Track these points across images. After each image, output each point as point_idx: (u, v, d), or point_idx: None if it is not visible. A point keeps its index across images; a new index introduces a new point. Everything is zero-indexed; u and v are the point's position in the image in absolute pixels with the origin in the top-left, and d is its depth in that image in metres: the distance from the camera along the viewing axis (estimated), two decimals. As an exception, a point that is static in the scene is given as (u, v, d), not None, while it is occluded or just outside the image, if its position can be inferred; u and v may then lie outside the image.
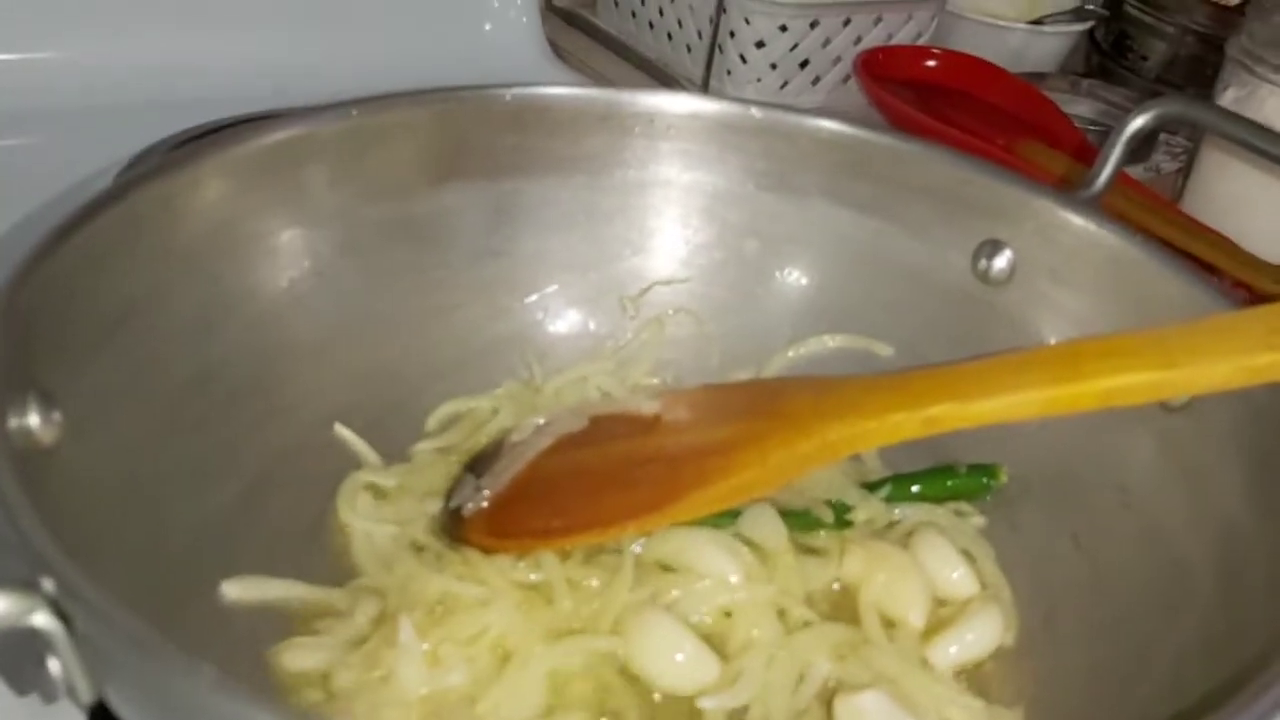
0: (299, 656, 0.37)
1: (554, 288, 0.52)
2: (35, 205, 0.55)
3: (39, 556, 0.26)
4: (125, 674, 0.27)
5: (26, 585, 0.26)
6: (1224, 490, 0.39)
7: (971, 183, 0.48)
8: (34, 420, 0.33)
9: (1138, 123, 0.49)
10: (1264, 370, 0.36)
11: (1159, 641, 0.37)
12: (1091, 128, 0.82)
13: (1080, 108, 0.87)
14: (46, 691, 0.27)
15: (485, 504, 0.43)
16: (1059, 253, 0.47)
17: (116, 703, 0.28)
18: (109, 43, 0.74)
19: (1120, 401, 0.37)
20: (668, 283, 0.53)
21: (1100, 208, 0.47)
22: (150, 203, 0.40)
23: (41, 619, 0.26)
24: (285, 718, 0.24)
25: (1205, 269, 0.58)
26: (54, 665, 0.27)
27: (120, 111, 0.66)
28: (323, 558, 0.43)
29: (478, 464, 0.46)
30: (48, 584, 0.26)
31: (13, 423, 0.32)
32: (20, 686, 0.32)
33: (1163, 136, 0.87)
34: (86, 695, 0.28)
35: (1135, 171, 0.83)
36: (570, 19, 0.96)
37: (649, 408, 0.45)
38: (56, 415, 0.34)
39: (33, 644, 0.27)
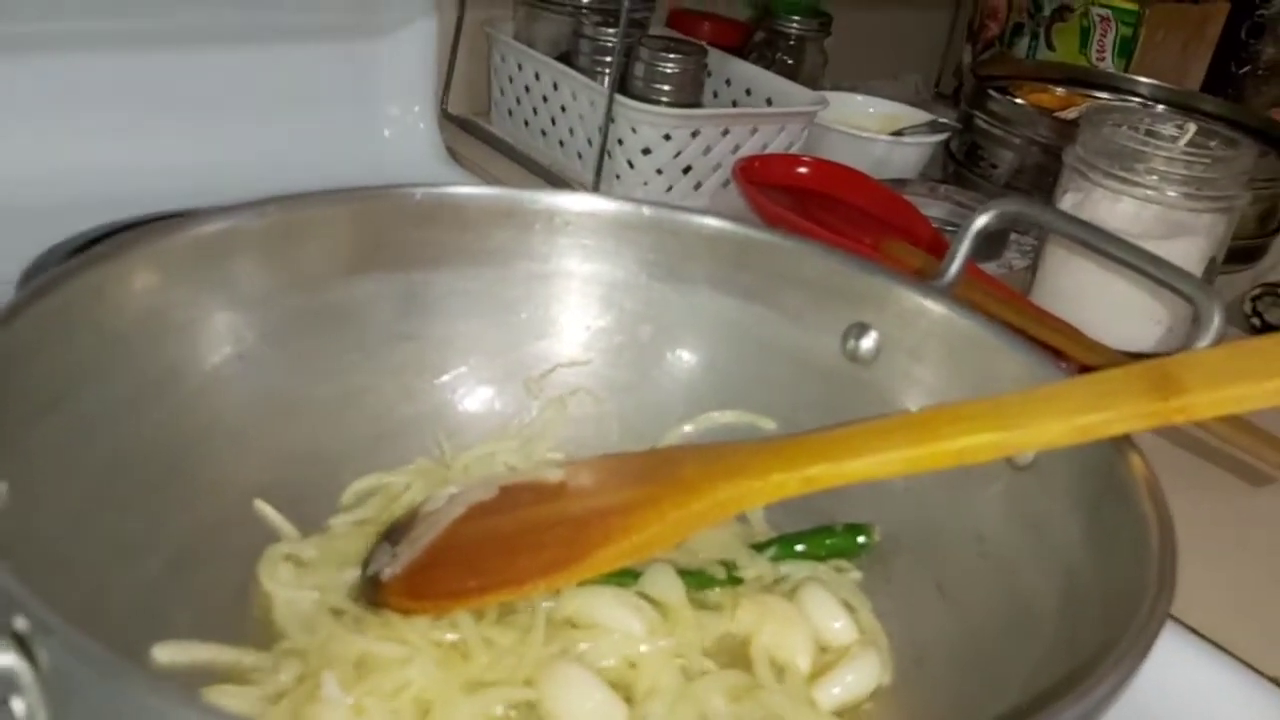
0: (227, 699, 0.40)
1: (463, 370, 0.56)
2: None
3: (8, 595, 0.28)
4: (92, 706, 0.29)
5: (-7, 628, 0.29)
6: (1064, 536, 0.44)
7: (840, 273, 0.54)
8: (-20, 492, 0.35)
9: (981, 220, 0.55)
10: (1090, 429, 0.41)
11: (1011, 667, 0.41)
12: (948, 227, 0.89)
13: (937, 210, 0.95)
14: (8, 732, 0.29)
15: (402, 569, 0.46)
16: (917, 334, 0.52)
17: (75, 738, 0.30)
18: (12, 147, 0.76)
19: (971, 459, 0.42)
20: (569, 365, 0.57)
21: (952, 295, 0.53)
22: (84, 291, 0.43)
23: (6, 659, 0.29)
24: None
25: (1053, 353, 0.65)
26: (18, 705, 0.29)
27: (13, 215, 0.67)
28: (248, 623, 0.45)
29: (393, 533, 0.48)
30: (19, 622, 0.28)
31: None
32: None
33: (1014, 236, 0.95)
34: (47, 734, 0.30)
35: (990, 268, 0.91)
36: (465, 126, 1.01)
37: (554, 476, 0.49)
38: (3, 487, 0.36)
39: (-5, 686, 0.29)
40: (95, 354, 0.43)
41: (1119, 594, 0.38)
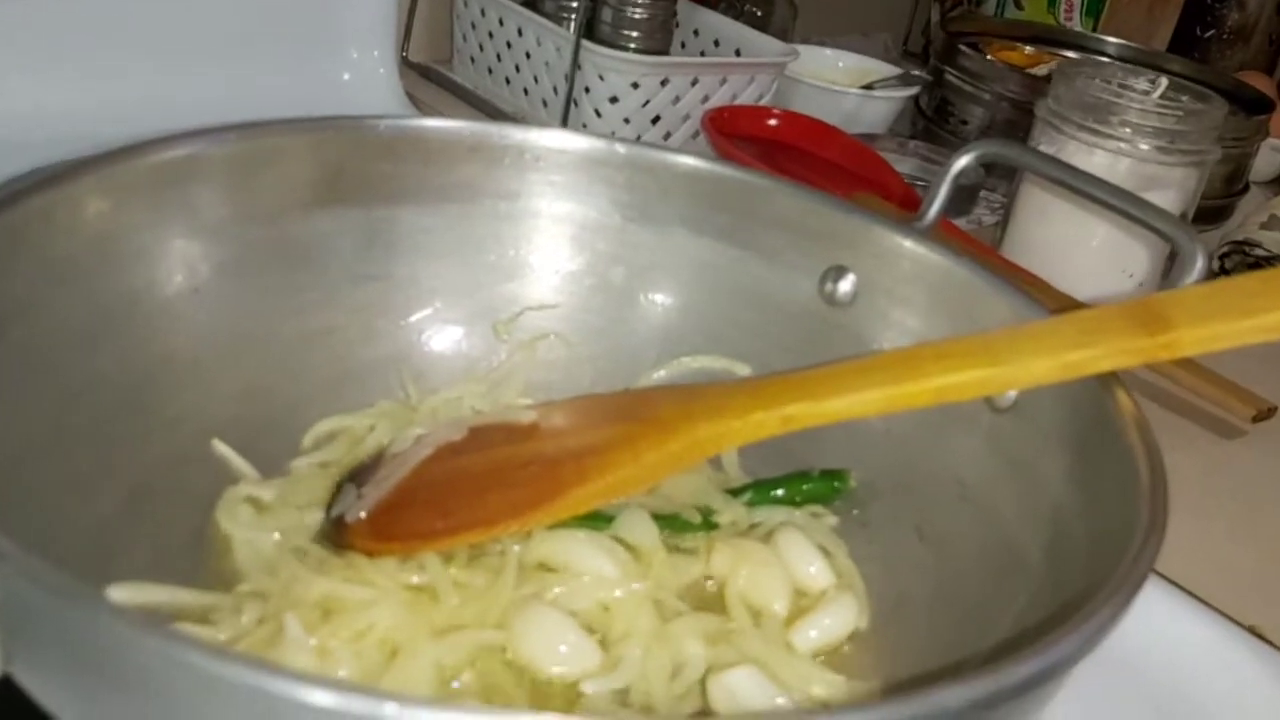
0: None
1: (428, 311, 0.54)
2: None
3: (-45, 521, 0.27)
4: (45, 634, 0.27)
5: (-64, 555, 0.27)
6: (1048, 478, 0.43)
7: (817, 214, 0.53)
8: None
9: (962, 161, 0.54)
10: (1076, 365, 0.40)
11: (996, 611, 0.40)
12: (918, 182, 0.89)
13: (907, 165, 0.94)
14: (-48, 665, 0.28)
15: (367, 510, 0.44)
16: (896, 276, 0.51)
17: (26, 672, 0.29)
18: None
19: (953, 397, 0.41)
20: (539, 308, 0.55)
21: (932, 236, 0.52)
22: (30, 215, 0.40)
23: (-48, 588, 0.27)
24: (223, 660, 0.24)
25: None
26: (-39, 637, 0.27)
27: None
28: (206, 566, 0.43)
29: (358, 474, 0.47)
30: (-36, 549, 0.26)
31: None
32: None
33: (982, 193, 0.95)
34: (-5, 667, 0.28)
35: (960, 223, 0.90)
36: (426, 73, 0.99)
37: (526, 416, 0.47)
38: (-56, 415, 0.34)
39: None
40: (45, 279, 0.41)
41: (1106, 533, 0.37)
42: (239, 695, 0.25)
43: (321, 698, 0.24)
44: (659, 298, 0.55)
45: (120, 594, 0.39)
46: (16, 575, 0.26)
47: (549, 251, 0.55)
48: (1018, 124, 0.95)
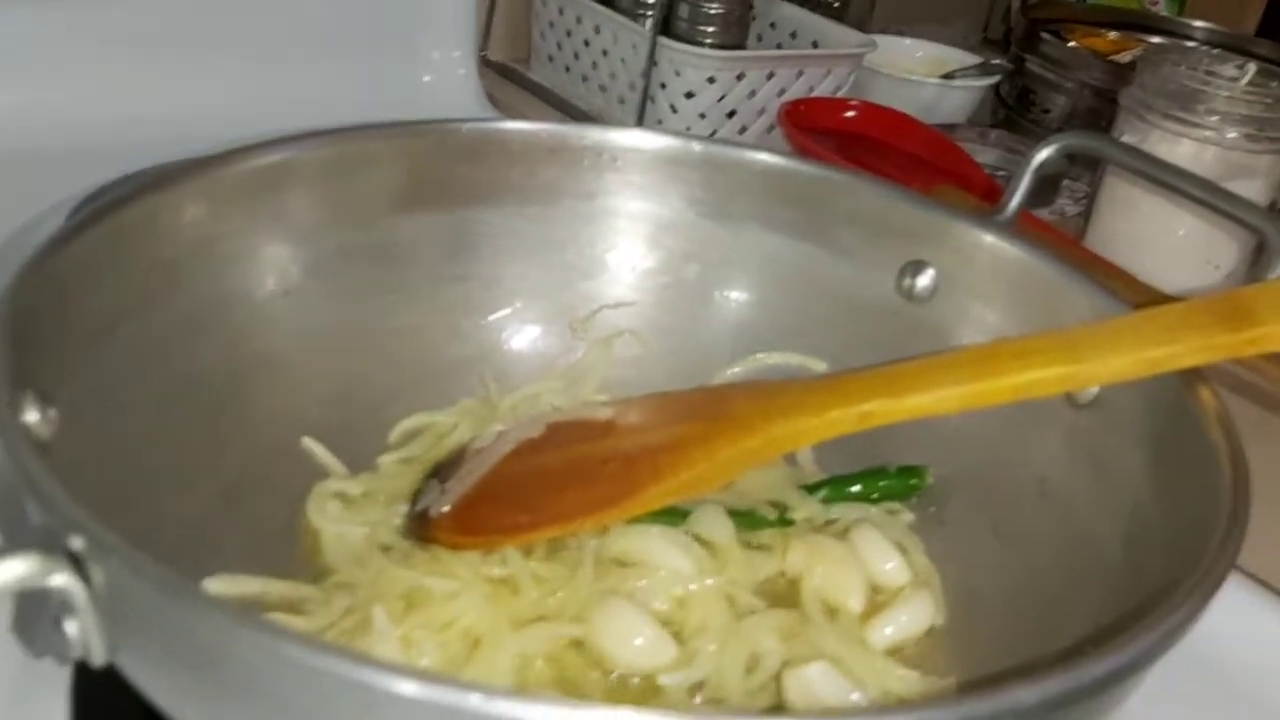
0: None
1: (508, 311, 0.55)
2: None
3: (66, 515, 0.28)
4: (147, 625, 0.29)
5: (46, 547, 0.28)
6: (1128, 474, 0.43)
7: (895, 209, 0.53)
8: (33, 417, 0.35)
9: (1044, 153, 0.54)
10: (1158, 362, 0.40)
11: (1073, 609, 0.40)
12: (999, 173, 0.88)
13: (988, 156, 0.93)
14: (61, 653, 0.29)
15: (450, 505, 0.46)
16: (976, 271, 0.51)
17: (129, 661, 0.30)
18: (54, 88, 0.76)
19: (1032, 394, 0.41)
20: (615, 306, 0.56)
21: (1012, 230, 0.52)
22: (136, 218, 0.42)
23: (61, 579, 0.28)
24: (315, 650, 0.25)
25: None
26: (71, 626, 0.29)
27: (67, 155, 0.67)
28: (296, 559, 0.45)
29: (442, 470, 0.48)
30: (75, 541, 0.28)
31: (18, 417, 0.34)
32: (36, 649, 0.33)
33: (1065, 182, 0.93)
34: (100, 655, 0.30)
35: (1041, 214, 0.89)
36: (505, 72, 1.00)
37: (603, 413, 0.48)
38: (52, 413, 0.36)
39: (49, 606, 0.29)
40: (147, 282, 0.43)
41: (1186, 530, 0.37)
42: (328, 683, 0.26)
43: (408, 687, 0.25)
44: (734, 294, 0.56)
45: (216, 586, 0.41)
46: (120, 568, 0.28)
47: (625, 250, 0.56)
48: (1101, 112, 0.93)
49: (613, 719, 0.25)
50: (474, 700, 0.25)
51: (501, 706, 0.25)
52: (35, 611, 0.29)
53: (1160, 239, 0.74)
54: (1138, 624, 0.30)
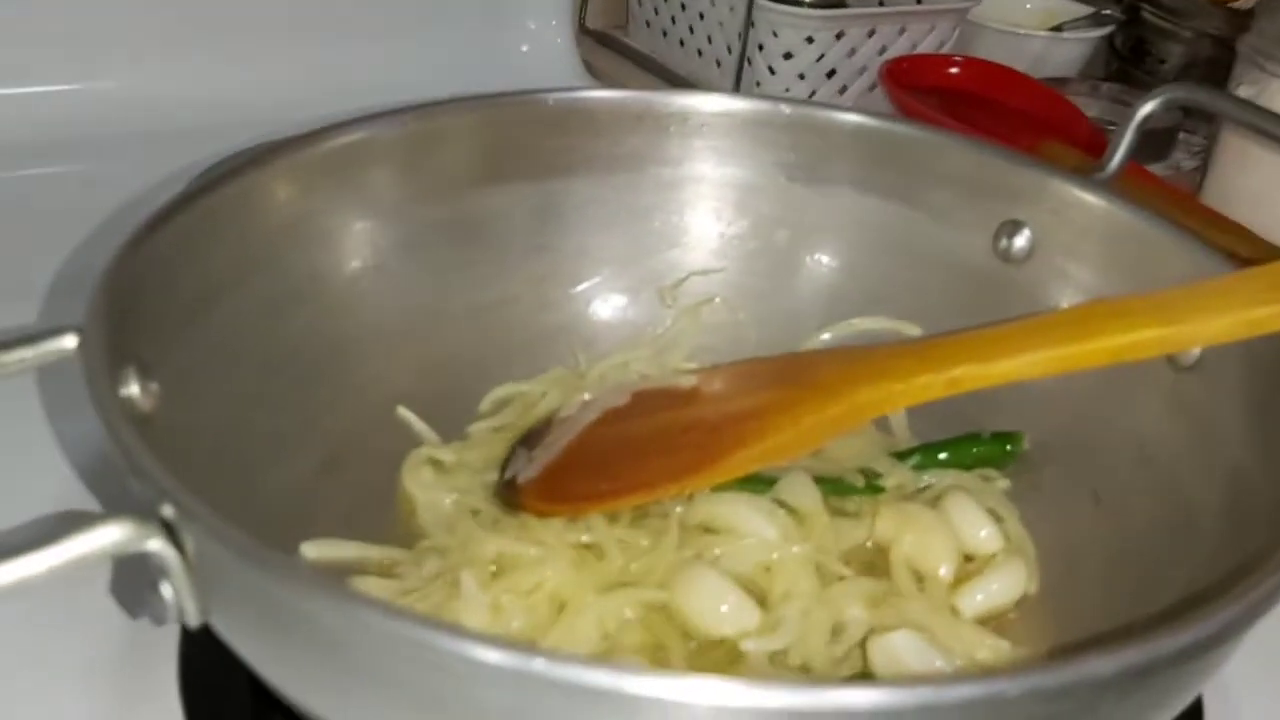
0: (371, 589, 0.41)
1: (597, 280, 0.55)
2: (95, 225, 0.59)
3: (157, 484, 0.30)
4: (234, 590, 0.30)
5: (142, 514, 0.30)
6: (1230, 438, 0.41)
7: (991, 168, 0.51)
8: (134, 389, 0.37)
9: (1147, 107, 0.52)
10: (1261, 322, 0.38)
11: (1170, 576, 0.39)
12: (1111, 127, 0.84)
13: (1100, 110, 0.90)
14: (157, 615, 0.31)
15: (537, 472, 0.46)
16: (1075, 230, 0.49)
17: (222, 623, 0.31)
18: (161, 71, 0.78)
19: (1129, 357, 0.40)
20: (703, 273, 0.56)
21: (1113, 188, 0.50)
22: (230, 198, 0.44)
23: (156, 544, 0.30)
24: (398, 620, 0.26)
25: (1226, 257, 0.61)
26: (166, 589, 0.30)
27: (171, 136, 0.70)
28: (392, 524, 0.46)
29: (529, 438, 0.49)
30: (166, 509, 0.29)
31: (119, 391, 0.36)
32: (133, 610, 0.35)
33: (1182, 136, 0.89)
34: (195, 617, 0.31)
35: (1156, 169, 0.85)
36: (603, 40, 1.00)
37: (687, 381, 0.48)
38: (153, 386, 0.38)
39: (146, 570, 0.30)
40: (242, 259, 0.44)
41: (1291, 497, 0.35)
42: (407, 649, 0.27)
43: (486, 654, 0.26)
44: (824, 259, 0.55)
45: (312, 550, 0.43)
46: (207, 535, 0.29)
47: (713, 216, 0.55)
48: (1219, 62, 0.88)
49: (699, 688, 0.25)
50: (540, 665, 0.26)
51: (582, 675, 0.25)
52: (133, 576, 0.30)
53: (1278, 194, 0.71)
54: (1224, 595, 0.28)
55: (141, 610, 0.31)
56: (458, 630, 0.26)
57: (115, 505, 0.31)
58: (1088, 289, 0.49)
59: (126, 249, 0.39)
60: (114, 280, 0.37)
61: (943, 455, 0.49)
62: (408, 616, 0.27)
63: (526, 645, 0.26)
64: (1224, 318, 0.39)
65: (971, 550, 0.46)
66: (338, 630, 0.28)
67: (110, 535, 0.29)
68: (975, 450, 0.49)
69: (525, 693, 0.26)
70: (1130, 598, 0.40)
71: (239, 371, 0.43)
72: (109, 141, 0.72)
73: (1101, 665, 0.26)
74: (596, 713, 0.26)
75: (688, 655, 0.41)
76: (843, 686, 0.25)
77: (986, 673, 0.25)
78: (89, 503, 0.47)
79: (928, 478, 0.49)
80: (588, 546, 0.44)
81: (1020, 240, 0.51)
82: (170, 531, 0.30)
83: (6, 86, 0.74)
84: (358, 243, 0.49)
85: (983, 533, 0.46)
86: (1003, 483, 0.49)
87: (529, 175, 0.53)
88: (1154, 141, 0.87)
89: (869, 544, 0.46)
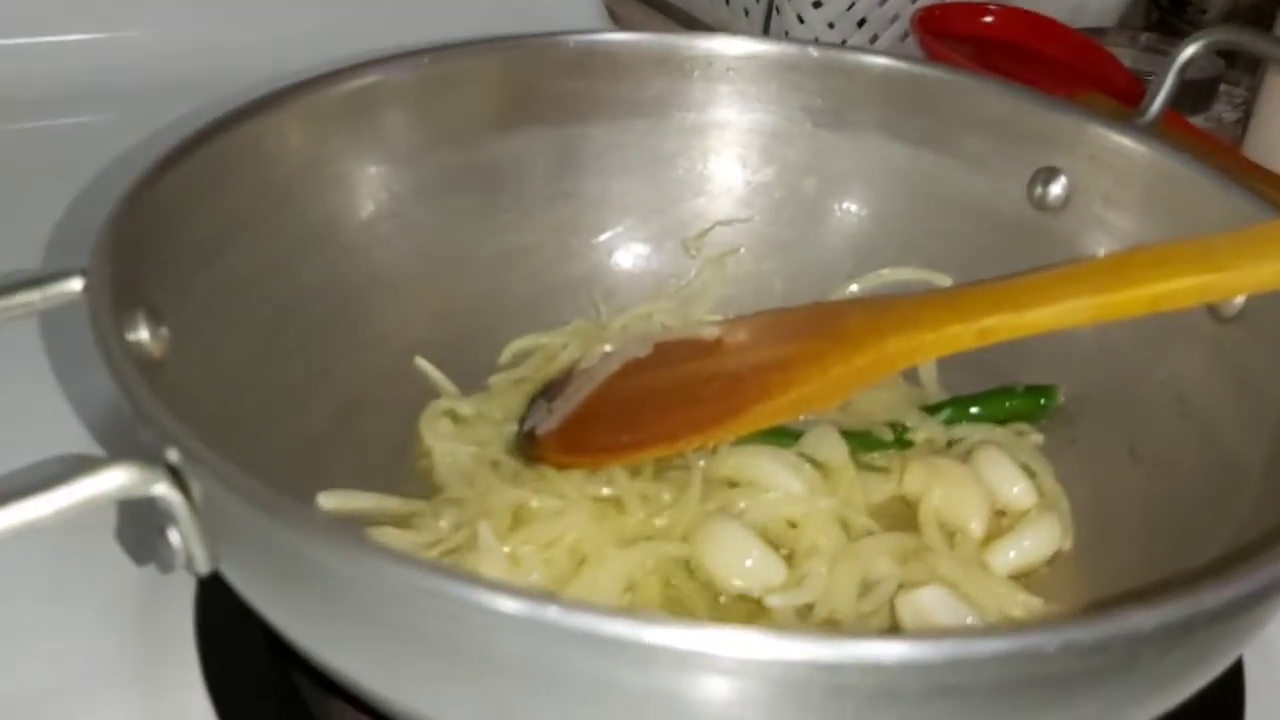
0: (387, 540, 0.40)
1: (619, 229, 0.54)
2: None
3: (161, 428, 0.29)
4: (242, 537, 0.29)
5: (147, 459, 0.29)
6: (1275, 393, 0.39)
7: (1026, 112, 0.49)
8: (144, 334, 0.36)
9: (1189, 51, 0.50)
10: (1310, 269, 0.37)
11: (1211, 534, 0.38)
12: (1151, 78, 0.82)
13: (1139, 61, 0.87)
14: (165, 561, 0.30)
15: (557, 424, 0.45)
16: (1113, 177, 0.47)
17: (231, 571, 0.31)
18: (173, 17, 0.77)
19: (1169, 306, 0.38)
20: (729, 222, 0.54)
21: (1153, 133, 0.48)
22: (240, 142, 0.43)
23: (162, 489, 0.29)
24: (408, 567, 0.25)
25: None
26: (173, 535, 0.30)
27: (184, 86, 0.67)
28: (409, 476, 0.45)
29: (550, 390, 0.48)
30: (171, 454, 0.29)
31: (127, 336, 0.35)
32: (139, 556, 0.34)
33: (1224, 87, 0.87)
34: (203, 565, 0.30)
35: (1197, 121, 0.83)
36: (629, -12, 0.98)
37: (711, 332, 0.47)
38: (164, 331, 0.37)
39: (153, 515, 0.30)
40: (255, 204, 0.43)
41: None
42: (415, 596, 0.26)
43: (502, 603, 0.25)
44: (853, 208, 0.53)
45: (328, 501, 0.42)
46: (213, 480, 0.28)
47: (739, 164, 0.54)
48: (1264, 11, 0.85)
49: (719, 638, 0.24)
50: (555, 614, 0.25)
51: (594, 623, 0.24)
52: (139, 520, 0.30)
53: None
54: (1271, 548, 0.27)
55: (149, 557, 0.30)
56: (472, 578, 0.25)
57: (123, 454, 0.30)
58: (1126, 238, 0.47)
59: (135, 190, 0.38)
60: (122, 222, 0.37)
61: (974, 409, 0.48)
62: (420, 564, 0.26)
63: (542, 593, 0.25)
64: (1269, 264, 0.37)
65: (1004, 505, 0.45)
66: (348, 578, 0.27)
67: (115, 479, 0.29)
68: (1008, 404, 0.48)
69: (541, 643, 0.25)
70: (1169, 555, 0.39)
71: (253, 319, 0.42)
72: (120, 91, 0.71)
73: (1141, 620, 0.25)
74: (614, 664, 0.25)
75: (711, 611, 0.40)
76: (867, 639, 0.24)
77: (1020, 627, 0.24)
78: (96, 453, 0.46)
79: (958, 432, 0.47)
80: (609, 499, 0.43)
81: (1056, 188, 0.49)
82: (176, 476, 0.29)
83: (13, 37, 0.72)
84: (374, 188, 0.48)
85: (1015, 488, 0.45)
86: (1036, 437, 0.47)
87: (549, 120, 0.51)
88: (1195, 92, 0.84)
89: (899, 499, 0.45)
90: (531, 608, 0.25)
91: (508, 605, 0.25)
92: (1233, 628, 0.28)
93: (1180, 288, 0.38)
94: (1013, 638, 0.24)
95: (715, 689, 0.25)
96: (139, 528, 0.38)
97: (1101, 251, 0.47)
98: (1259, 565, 0.26)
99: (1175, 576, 0.36)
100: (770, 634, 0.24)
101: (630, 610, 0.38)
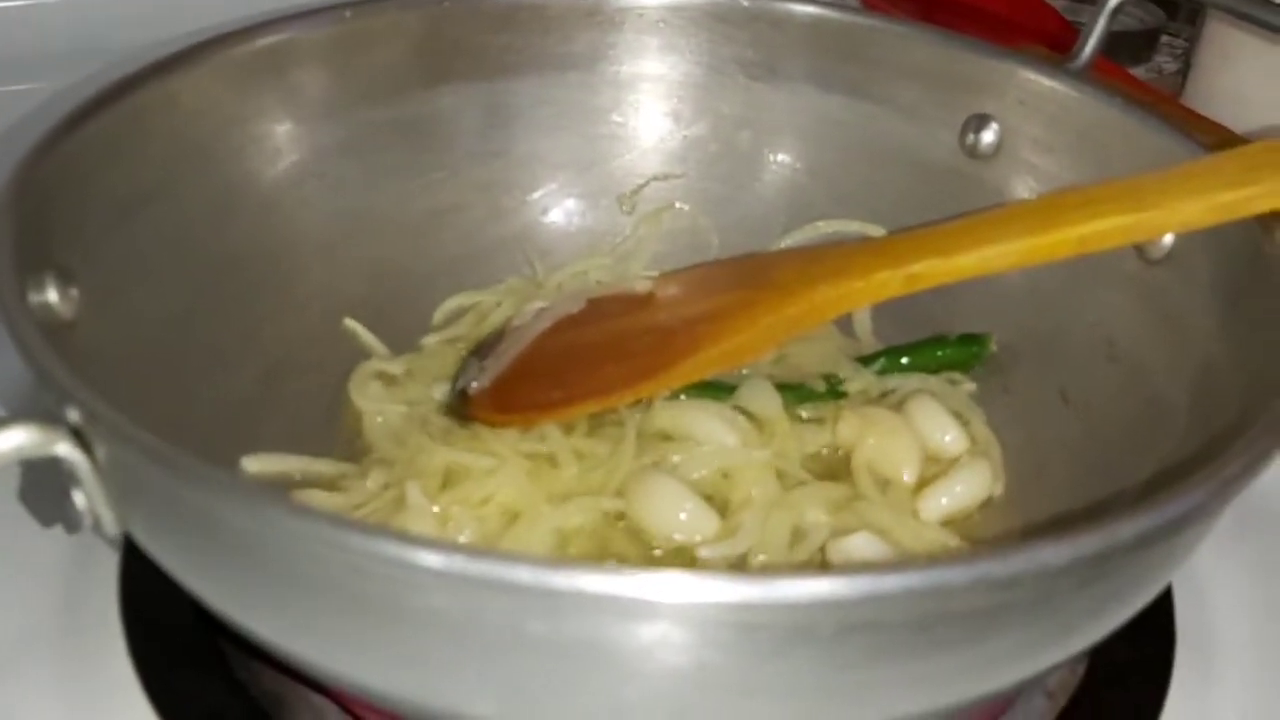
0: (312, 502, 0.39)
1: (552, 187, 0.53)
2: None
3: (62, 389, 0.28)
4: (148, 498, 0.28)
5: (49, 419, 0.28)
6: (1201, 333, 0.40)
7: (956, 59, 0.49)
8: (52, 296, 0.35)
9: (1118, -11, 0.49)
10: (1233, 206, 0.37)
11: (1137, 472, 0.38)
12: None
13: (1078, 13, 0.87)
14: (71, 523, 0.29)
15: (489, 382, 0.45)
16: (1044, 122, 0.47)
17: (142, 534, 0.30)
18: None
19: (1097, 246, 0.38)
20: (663, 178, 0.54)
21: (1083, 78, 0.48)
22: (155, 98, 0.42)
23: (64, 449, 0.28)
24: (329, 524, 0.25)
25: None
26: (78, 497, 0.29)
27: (64, 52, 0.66)
28: (337, 439, 0.45)
29: (482, 349, 0.47)
30: (72, 414, 0.28)
31: (32, 297, 0.34)
32: (45, 518, 0.34)
33: (1164, 38, 0.87)
34: (111, 527, 0.30)
35: (1137, 73, 0.83)
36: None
37: (643, 287, 0.47)
38: (74, 292, 0.36)
39: (57, 477, 0.29)
40: (170, 161, 0.42)
41: (1259, 384, 0.34)
42: (316, 551, 0.25)
43: (422, 557, 0.24)
44: (787, 160, 0.53)
45: (255, 464, 0.41)
46: (114, 440, 0.27)
47: (671, 118, 0.53)
48: (1204, -43, 0.86)
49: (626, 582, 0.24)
50: (462, 563, 0.24)
51: (512, 573, 0.24)
52: (44, 481, 0.29)
53: (1263, 96, 0.69)
54: (1180, 483, 0.27)
55: (52, 517, 0.30)
56: (388, 534, 0.25)
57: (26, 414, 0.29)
58: (1058, 182, 0.47)
59: (42, 146, 0.37)
60: (26, 179, 0.36)
61: (907, 359, 0.48)
62: (323, 516, 0.25)
63: (450, 544, 0.25)
64: (1195, 202, 0.37)
65: (936, 453, 0.45)
66: (254, 535, 0.27)
67: (14, 439, 0.28)
68: (941, 353, 0.48)
69: (455, 593, 0.25)
70: (1097, 495, 0.39)
71: (173, 280, 0.41)
72: (33, 57, 0.69)
73: (1054, 554, 0.25)
74: (528, 611, 0.25)
75: (644, 564, 0.40)
76: (778, 577, 0.23)
77: (930, 561, 0.24)
78: None
79: (892, 382, 0.47)
80: (542, 456, 0.42)
81: (988, 135, 0.49)
82: (79, 437, 0.28)
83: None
84: (296, 145, 0.47)
85: (947, 436, 0.45)
86: (969, 385, 0.47)
87: (474, 75, 0.50)
88: (1135, 43, 0.84)
89: (831, 450, 0.45)
90: (442, 558, 0.24)
91: (419, 556, 0.24)
92: (1151, 558, 0.28)
93: (1107, 227, 0.38)
94: (923, 572, 0.24)
95: (630, 632, 0.25)
96: (45, 489, 0.37)
97: (1033, 197, 0.47)
98: (1171, 497, 0.26)
99: (1094, 510, 0.36)
100: (688, 574, 0.24)
101: (539, 557, 0.38)
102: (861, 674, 0.26)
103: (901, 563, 0.25)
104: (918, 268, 0.40)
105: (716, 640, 0.25)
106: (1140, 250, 0.43)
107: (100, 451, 0.28)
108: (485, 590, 0.25)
